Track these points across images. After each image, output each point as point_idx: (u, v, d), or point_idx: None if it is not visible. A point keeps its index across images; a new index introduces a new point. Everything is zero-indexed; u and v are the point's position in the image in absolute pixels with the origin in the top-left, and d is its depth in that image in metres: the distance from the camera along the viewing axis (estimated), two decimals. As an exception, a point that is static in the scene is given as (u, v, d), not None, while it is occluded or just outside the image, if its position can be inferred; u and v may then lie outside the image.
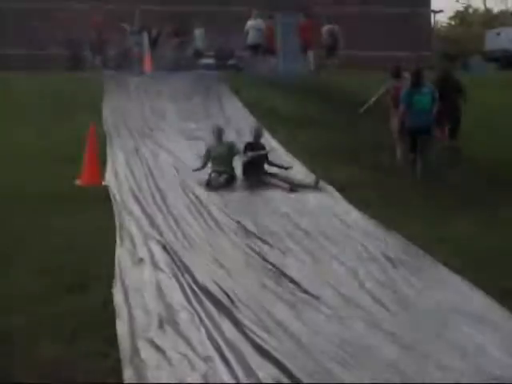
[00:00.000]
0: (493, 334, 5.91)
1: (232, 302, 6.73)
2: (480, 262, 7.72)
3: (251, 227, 9.26)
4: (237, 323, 6.22)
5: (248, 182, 11.95)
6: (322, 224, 9.56)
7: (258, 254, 8.25)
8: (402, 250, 8.29)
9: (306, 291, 6.99)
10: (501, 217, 9.44)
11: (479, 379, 5.09)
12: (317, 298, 6.80)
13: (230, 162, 12.01)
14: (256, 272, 7.68)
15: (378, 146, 13.95)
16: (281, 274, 7.51)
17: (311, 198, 10.97)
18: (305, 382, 5.04)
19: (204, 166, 12.08)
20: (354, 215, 9.98)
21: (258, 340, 5.83)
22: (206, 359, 5.51)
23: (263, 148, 12.35)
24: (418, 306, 6.59)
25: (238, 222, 9.57)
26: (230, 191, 11.44)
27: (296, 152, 13.85)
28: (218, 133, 12.37)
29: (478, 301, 6.67)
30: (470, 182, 11.36)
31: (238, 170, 12.10)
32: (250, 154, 11.98)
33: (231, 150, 12.09)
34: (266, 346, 5.69)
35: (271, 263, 7.86)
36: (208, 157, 12.12)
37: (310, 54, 23.06)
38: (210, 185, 11.54)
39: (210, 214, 10.09)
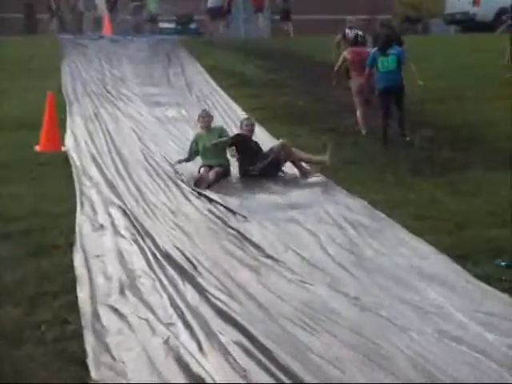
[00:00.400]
0: (452, 295, 5.96)
1: (194, 267, 6.70)
2: (441, 225, 7.77)
3: (214, 196, 9.20)
4: (199, 289, 6.20)
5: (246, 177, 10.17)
6: (283, 189, 9.54)
7: (221, 219, 8.20)
8: (364, 214, 8.30)
9: (268, 256, 6.98)
10: (464, 180, 9.49)
11: (439, 340, 5.13)
12: (280, 262, 6.80)
13: (223, 153, 10.17)
14: (219, 238, 7.65)
15: (339, 109, 13.94)
16: (244, 239, 7.49)
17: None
18: (266, 345, 5.03)
19: (190, 159, 10.36)
20: (315, 179, 9.96)
21: (220, 305, 5.81)
22: (168, 324, 5.48)
23: (257, 147, 10.27)
24: (379, 269, 6.61)
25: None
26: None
27: (257, 116, 13.78)
28: (206, 119, 10.44)
29: (438, 263, 6.72)
30: (434, 146, 11.39)
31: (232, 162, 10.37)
32: (259, 166, 9.93)
33: (222, 136, 10.23)
34: (228, 311, 5.68)
35: (234, 229, 7.82)
36: (195, 148, 10.30)
37: (261, 17, 23.09)
38: (198, 184, 9.61)
39: (170, 178, 10.00)
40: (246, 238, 7.49)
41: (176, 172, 10.18)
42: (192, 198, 9.13)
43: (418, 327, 5.36)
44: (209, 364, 4.84)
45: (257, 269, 6.70)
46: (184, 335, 5.31)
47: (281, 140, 10.19)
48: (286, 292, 6.11)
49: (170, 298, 6.03)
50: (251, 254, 7.11)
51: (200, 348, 5.09)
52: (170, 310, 5.78)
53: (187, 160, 10.31)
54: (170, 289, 6.22)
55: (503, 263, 6.48)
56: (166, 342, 5.17)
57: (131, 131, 12.93)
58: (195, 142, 10.30)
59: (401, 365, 4.77)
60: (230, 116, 13.99)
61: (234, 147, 10.05)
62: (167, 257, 6.98)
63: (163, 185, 9.72)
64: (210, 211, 8.51)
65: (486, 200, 8.50)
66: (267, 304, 5.84)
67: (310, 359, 4.87)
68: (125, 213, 8.40)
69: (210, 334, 5.30)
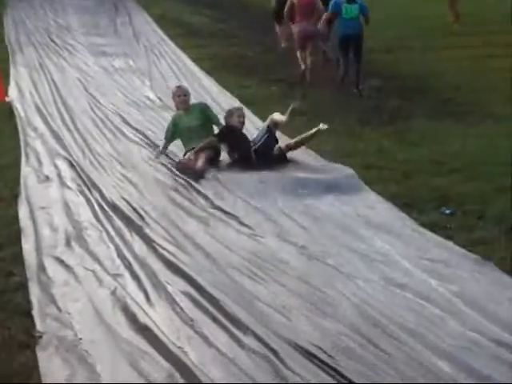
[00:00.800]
0: (398, 243, 6.02)
1: (142, 218, 6.66)
2: (388, 174, 7.82)
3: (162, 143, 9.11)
4: (147, 239, 6.17)
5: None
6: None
7: (170, 170, 8.13)
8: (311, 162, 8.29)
9: (217, 207, 6.97)
10: (411, 129, 9.55)
11: (385, 287, 5.19)
12: (228, 213, 6.79)
13: (211, 131, 8.54)
14: (166, 189, 7.59)
15: (289, 60, 13.85)
16: (192, 190, 7.45)
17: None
18: (214, 294, 5.04)
19: (168, 144, 8.69)
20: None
21: (168, 256, 5.80)
22: (115, 275, 5.46)
23: (248, 141, 8.39)
24: (327, 219, 6.65)
25: (146, 137, 9.39)
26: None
27: (205, 66, 13.65)
28: (184, 98, 8.67)
29: (385, 212, 6.78)
30: (381, 96, 11.42)
31: None
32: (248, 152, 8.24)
33: (206, 114, 8.67)
34: (176, 262, 5.67)
35: (182, 180, 7.77)
36: (174, 132, 8.63)
37: None
38: (184, 172, 8.00)
39: (118, 128, 9.87)
40: (194, 189, 7.45)
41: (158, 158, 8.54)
42: (139, 148, 9.02)
43: (365, 275, 5.41)
44: (156, 314, 4.84)
45: (205, 220, 6.68)
46: (131, 286, 5.30)
47: (272, 117, 8.55)
48: (234, 242, 6.11)
49: (117, 249, 6.00)
50: (199, 204, 7.09)
51: (147, 298, 5.09)
52: (117, 261, 5.76)
53: (166, 147, 8.66)
54: (117, 240, 6.18)
55: (448, 211, 6.57)
56: (113, 292, 5.15)
57: (77, 81, 12.70)
58: (174, 124, 8.59)
59: (347, 312, 4.82)
60: (179, 65, 13.81)
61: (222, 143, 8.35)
62: (114, 208, 6.92)
63: (110, 135, 9.59)
64: (161, 163, 8.41)
65: (431, 149, 8.58)
66: (215, 254, 5.84)
67: (257, 308, 4.89)
68: (71, 164, 8.29)
69: (158, 285, 5.29)
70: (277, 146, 8.43)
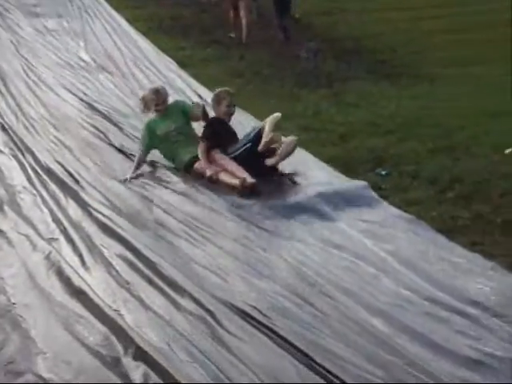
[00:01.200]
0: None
1: (77, 182, 6.56)
2: (325, 136, 7.86)
3: (99, 106, 8.97)
4: (82, 203, 6.08)
5: None
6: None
7: (104, 134, 8.01)
8: (248, 124, 8.25)
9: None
10: (348, 91, 9.60)
11: (322, 248, 5.23)
12: (165, 178, 6.72)
13: (191, 130, 7.20)
14: (102, 152, 7.48)
15: (225, 21, 13.75)
16: (130, 154, 7.35)
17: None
18: (150, 257, 5.01)
19: (143, 158, 7.00)
20: (201, 91, 9.83)
21: (103, 219, 5.73)
22: (50, 240, 5.38)
23: (235, 134, 6.96)
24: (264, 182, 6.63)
25: (81, 99, 9.23)
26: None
27: (140, 27, 13.46)
28: (162, 105, 7.09)
29: (322, 174, 6.80)
30: (319, 58, 11.43)
31: None
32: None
33: (185, 112, 7.15)
34: (112, 225, 5.61)
35: (119, 145, 7.65)
36: (151, 141, 7.00)
37: None
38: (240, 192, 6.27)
39: (52, 91, 9.67)
40: (131, 154, 7.36)
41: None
42: (75, 111, 8.86)
43: (301, 237, 5.44)
44: (91, 278, 4.79)
45: (141, 183, 6.62)
46: (66, 250, 5.23)
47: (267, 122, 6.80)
48: (172, 204, 6.07)
49: (52, 213, 5.91)
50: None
51: (82, 262, 5.03)
52: (52, 226, 5.67)
53: (139, 164, 6.91)
54: (52, 204, 6.09)
55: (383, 172, 6.64)
56: (47, 257, 5.07)
57: (9, 43, 12.38)
58: (149, 132, 6.99)
59: (283, 273, 4.84)
60: (113, 26, 13.57)
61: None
62: (48, 172, 6.81)
63: (44, 98, 9.39)
64: (93, 126, 8.29)
65: (368, 111, 8.64)
66: (151, 217, 5.80)
67: (194, 270, 4.88)
68: (3, 128, 8.12)
69: (93, 248, 5.23)
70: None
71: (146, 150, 7.01)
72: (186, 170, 6.76)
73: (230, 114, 6.95)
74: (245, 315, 4.21)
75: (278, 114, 6.83)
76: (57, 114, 8.80)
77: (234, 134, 6.93)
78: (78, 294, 4.53)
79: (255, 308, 4.28)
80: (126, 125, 8.28)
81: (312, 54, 11.56)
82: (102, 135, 7.98)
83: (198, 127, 7.16)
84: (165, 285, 4.65)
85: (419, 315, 4.21)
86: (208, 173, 6.50)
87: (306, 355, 3.77)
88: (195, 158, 6.72)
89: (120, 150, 7.46)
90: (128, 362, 3.78)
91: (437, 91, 9.32)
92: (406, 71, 10.46)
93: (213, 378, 3.60)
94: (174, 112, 7.10)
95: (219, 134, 6.76)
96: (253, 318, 4.17)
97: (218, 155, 6.66)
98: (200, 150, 6.68)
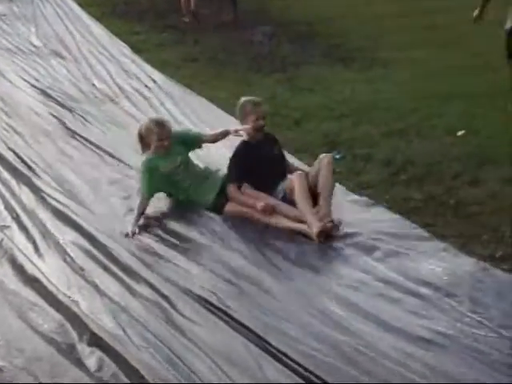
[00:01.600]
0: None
1: (30, 168, 6.49)
2: (280, 120, 7.87)
3: (51, 91, 8.87)
4: (35, 190, 6.02)
5: None
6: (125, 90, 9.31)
7: (59, 120, 7.92)
8: (203, 111, 8.25)
9: (109, 154, 6.86)
10: (302, 75, 9.61)
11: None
12: (120, 161, 6.69)
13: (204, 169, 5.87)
14: (55, 139, 7.40)
15: (180, 6, 13.67)
16: (85, 140, 7.27)
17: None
18: (107, 244, 4.99)
19: (148, 202, 5.59)
20: (156, 76, 9.76)
21: (58, 206, 5.68)
22: (2, 227, 5.32)
23: (279, 158, 5.73)
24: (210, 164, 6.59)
25: (32, 85, 9.11)
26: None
27: (94, 12, 13.31)
28: (166, 141, 5.64)
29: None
30: (273, 42, 11.42)
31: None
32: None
33: (188, 143, 5.86)
34: (66, 211, 5.56)
35: (71, 130, 7.58)
36: (154, 182, 5.61)
37: None
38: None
39: (4, 76, 9.53)
40: (86, 139, 7.28)
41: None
42: (27, 97, 8.74)
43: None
44: (45, 265, 4.75)
45: (96, 167, 6.57)
46: (19, 237, 5.19)
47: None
48: (127, 190, 6.04)
49: (4, 200, 5.86)
50: (89, 154, 6.95)
51: (36, 249, 4.99)
52: (4, 213, 5.62)
53: (142, 212, 5.50)
54: (4, 191, 6.02)
55: (337, 155, 6.67)
56: (0, 244, 5.02)
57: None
58: (150, 173, 5.59)
59: (239, 261, 4.85)
60: (65, 11, 13.39)
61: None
62: (0, 159, 6.71)
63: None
64: (46, 112, 8.19)
65: (322, 95, 8.67)
66: (105, 203, 5.77)
67: (149, 256, 4.87)
68: (-47, 115, 7.99)
69: (47, 235, 5.19)
70: None
71: (149, 193, 5.58)
72: (215, 211, 5.50)
73: (260, 128, 5.56)
74: (200, 299, 4.22)
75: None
76: (8, 100, 8.68)
77: (270, 158, 5.54)
78: (32, 282, 4.50)
79: (211, 292, 4.29)
80: (79, 110, 8.20)
81: (266, 38, 11.57)
82: (54, 121, 7.89)
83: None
84: (120, 271, 4.63)
85: (373, 297, 4.25)
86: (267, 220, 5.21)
87: (260, 337, 3.80)
88: (220, 198, 5.52)
89: (73, 136, 7.39)
90: (83, 348, 3.78)
91: (390, 75, 9.38)
92: (360, 55, 10.50)
93: (167, 361, 3.60)
94: (178, 144, 5.70)
95: (250, 166, 5.40)
96: (208, 302, 4.18)
97: (253, 192, 5.40)
98: (231, 196, 5.45)
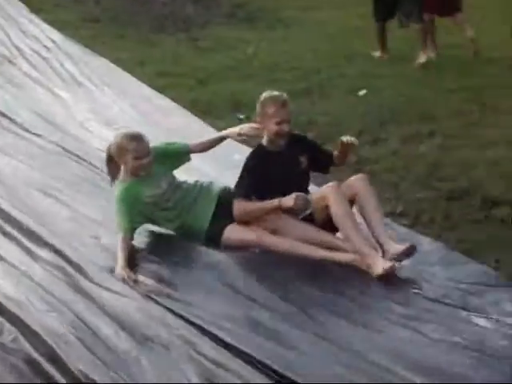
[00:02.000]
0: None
1: None
2: (184, 81, 7.82)
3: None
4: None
5: None
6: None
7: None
8: (104, 70, 8.09)
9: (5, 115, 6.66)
10: (206, 36, 9.55)
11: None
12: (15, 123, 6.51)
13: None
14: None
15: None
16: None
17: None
18: (5, 208, 4.85)
19: (132, 237, 4.35)
20: (55, 37, 9.45)
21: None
22: None
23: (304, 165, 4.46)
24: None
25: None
26: None
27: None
28: (145, 156, 4.33)
29: (180, 118, 6.76)
30: (176, 2, 11.27)
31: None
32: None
33: (171, 158, 4.59)
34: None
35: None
36: (138, 213, 4.37)
37: None
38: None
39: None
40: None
41: None
42: None
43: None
44: None
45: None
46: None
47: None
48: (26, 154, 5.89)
49: None
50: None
51: None
52: None
53: (126, 250, 4.23)
54: None
55: (241, 116, 6.68)
56: None
57: None
58: (131, 206, 4.33)
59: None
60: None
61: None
62: None
63: None
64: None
65: (226, 55, 8.65)
66: (6, 170, 5.60)
67: (55, 223, 4.72)
68: None
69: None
70: None
71: (131, 227, 4.35)
72: (211, 241, 4.34)
73: (283, 134, 4.32)
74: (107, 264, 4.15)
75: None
76: None
77: (295, 173, 4.35)
78: None
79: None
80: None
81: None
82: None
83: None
84: (21, 235, 4.51)
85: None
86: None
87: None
88: (218, 223, 4.37)
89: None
90: (-18, 314, 3.67)
91: (293, 35, 9.43)
92: (264, 16, 10.52)
93: (71, 325, 3.54)
94: (155, 163, 4.41)
95: (266, 181, 4.23)
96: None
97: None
98: (238, 213, 4.26)
